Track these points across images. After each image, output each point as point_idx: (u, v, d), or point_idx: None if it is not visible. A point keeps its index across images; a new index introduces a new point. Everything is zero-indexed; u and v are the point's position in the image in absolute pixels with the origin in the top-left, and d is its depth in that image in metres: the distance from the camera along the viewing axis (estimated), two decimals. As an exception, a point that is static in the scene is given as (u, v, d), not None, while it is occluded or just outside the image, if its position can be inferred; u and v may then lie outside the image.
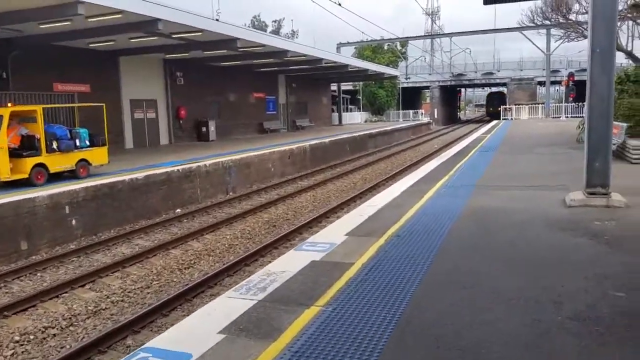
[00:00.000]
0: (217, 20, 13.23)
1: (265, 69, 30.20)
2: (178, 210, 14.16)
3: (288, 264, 5.48)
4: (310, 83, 39.47)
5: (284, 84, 36.03)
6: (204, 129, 26.40)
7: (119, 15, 13.17)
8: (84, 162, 12.78)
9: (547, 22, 21.85)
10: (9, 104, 11.77)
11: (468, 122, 69.76)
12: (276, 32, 68.35)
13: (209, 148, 22.11)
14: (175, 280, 8.75)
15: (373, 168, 23.31)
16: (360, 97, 58.95)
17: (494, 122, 40.55)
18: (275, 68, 30.20)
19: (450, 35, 46.80)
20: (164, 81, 24.33)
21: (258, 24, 68.36)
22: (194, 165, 15.21)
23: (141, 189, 13.02)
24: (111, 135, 20.71)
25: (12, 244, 9.62)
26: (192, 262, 9.76)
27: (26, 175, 11.30)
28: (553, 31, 29.47)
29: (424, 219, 7.36)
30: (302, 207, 14.75)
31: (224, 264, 9.31)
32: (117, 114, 21.37)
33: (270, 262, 6.65)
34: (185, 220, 13.18)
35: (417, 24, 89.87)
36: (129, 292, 8.20)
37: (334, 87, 47.22)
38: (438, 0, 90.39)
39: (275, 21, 71.67)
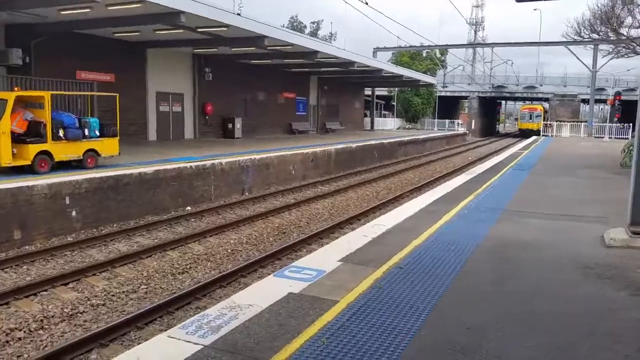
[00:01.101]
0: (238, 14, 12.62)
1: (297, 70, 29.60)
2: (188, 208, 13.61)
3: (260, 294, 4.66)
4: (343, 86, 38.69)
5: (315, 85, 35.38)
6: (229, 125, 25.98)
7: (139, 5, 12.71)
8: (92, 152, 12.36)
9: (595, 36, 20.41)
10: (16, 89, 11.45)
11: (507, 135, 67.48)
12: (314, 33, 67.87)
13: (232, 145, 21.63)
14: (163, 286, 8.10)
15: (399, 178, 22.33)
16: (395, 103, 57.79)
17: (533, 137, 38.81)
18: (307, 69, 29.56)
19: (492, 45, 45.25)
20: (192, 76, 23.99)
21: (296, 25, 68.04)
22: (209, 162, 14.64)
23: (149, 183, 12.50)
24: (134, 126, 20.63)
25: (4, 232, 9.19)
26: (188, 266, 9.10)
27: (29, 162, 10.92)
28: (601, 46, 27.84)
29: (435, 248, 6.40)
30: (318, 214, 13.97)
31: (219, 272, 8.63)
32: (141, 106, 21.13)
33: (247, 284, 5.82)
34: (192, 220, 12.59)
35: (459, 34, 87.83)
36: (112, 295, 7.59)
37: (367, 91, 46.30)
38: (482, 11, 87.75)
39: (313, 22, 71.20)
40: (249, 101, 28.16)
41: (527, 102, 68.79)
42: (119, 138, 13.23)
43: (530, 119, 54.77)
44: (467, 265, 5.75)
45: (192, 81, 24.07)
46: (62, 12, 13.79)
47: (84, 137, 12.09)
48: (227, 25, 15.74)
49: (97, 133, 12.47)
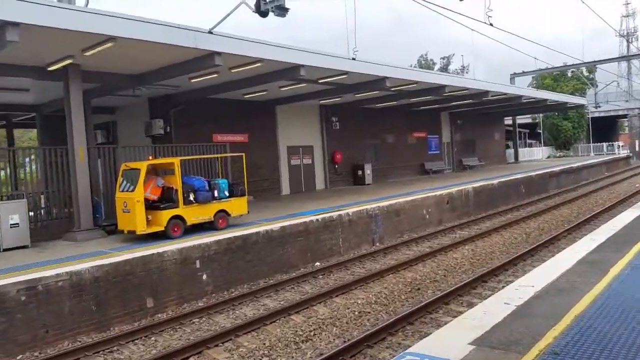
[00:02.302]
0: (353, 59, 12.24)
1: (425, 107, 28.49)
2: (317, 263, 13.11)
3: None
4: (479, 118, 36.39)
5: (447, 121, 33.75)
6: (359, 172, 25.59)
7: (259, 64, 12.99)
8: (222, 213, 12.58)
9: None
10: (149, 157, 12.18)
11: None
12: (444, 69, 66.20)
13: (362, 192, 21.08)
14: (284, 359, 7.45)
15: (553, 214, 19.63)
16: (541, 131, 53.03)
17: None
18: (436, 105, 28.29)
19: (652, 53, 39.38)
20: (320, 126, 24.28)
21: (425, 64, 67.11)
22: (335, 214, 14.12)
23: (277, 240, 12.29)
24: (267, 182, 21.22)
25: (137, 301, 9.44)
26: (312, 333, 8.38)
27: (162, 228, 11.37)
28: None
29: (604, 321, 4.81)
30: (457, 264, 12.48)
31: (343, 342, 7.75)
32: (273, 161, 21.74)
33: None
34: (320, 277, 12.01)
35: (608, 50, 78.86)
36: (231, 371, 7.13)
37: (508, 121, 43.04)
38: (634, 20, 78.49)
39: (443, 58, 69.61)
40: (377, 145, 27.65)
41: None
42: (247, 197, 13.37)
43: None
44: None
45: (320, 132, 24.33)
46: (193, 81, 14.71)
47: (214, 198, 12.39)
48: (345, 72, 15.50)
49: (227, 194, 12.72)
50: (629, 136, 54.98)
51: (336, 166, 25.02)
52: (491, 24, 9.88)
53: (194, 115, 18.12)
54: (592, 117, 51.94)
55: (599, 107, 50.72)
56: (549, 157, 50.00)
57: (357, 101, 23.35)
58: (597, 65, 46.75)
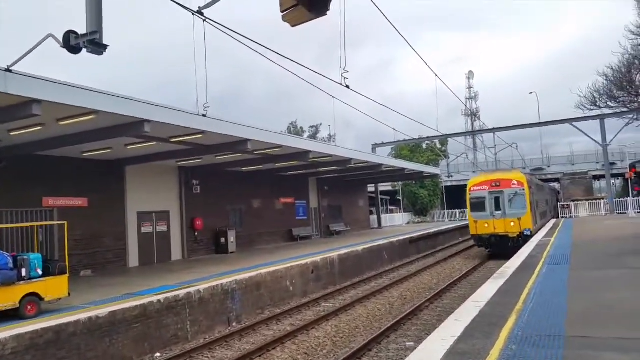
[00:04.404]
0: (204, 115, 11.02)
1: (293, 172, 28.05)
2: (157, 354, 10.95)
3: None
4: (344, 185, 37.05)
5: (315, 187, 33.73)
6: (222, 239, 23.80)
7: (93, 117, 11.09)
8: (32, 296, 10.00)
9: (611, 105, 18.89)
10: None
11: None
12: (313, 137, 68.07)
13: (222, 262, 19.28)
14: None
15: (415, 281, 19.61)
16: (401, 198, 56.01)
17: (553, 221, 36.19)
18: (304, 171, 28.02)
19: (493, 130, 44.16)
20: (178, 190, 22.30)
21: (294, 131, 68.50)
22: (183, 292, 12.19)
23: (103, 330, 9.99)
24: (111, 253, 18.47)
25: None
26: None
27: None
28: (611, 118, 26.34)
29: None
30: (319, 345, 11.21)
31: None
32: (120, 229, 19.11)
33: None
34: (158, 372, 9.92)
35: (456, 127, 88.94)
36: None
37: (371, 188, 44.63)
38: (476, 102, 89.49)
39: (312, 126, 71.81)
40: (243, 211, 26.27)
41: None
42: (68, 275, 10.90)
43: (499, 207, 23.75)
44: None
45: (179, 196, 22.32)
46: (13, 134, 12.23)
47: (21, 279, 9.81)
48: (201, 132, 14.14)
49: (40, 272, 10.19)
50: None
51: (196, 233, 22.97)
52: (347, 86, 9.37)
53: (19, 174, 15.21)
54: (445, 186, 56.28)
55: (452, 176, 55.35)
56: (408, 222, 52.59)
57: (220, 164, 21.98)
58: (448, 139, 51.37)
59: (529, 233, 22.79)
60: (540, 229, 26.67)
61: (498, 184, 23.95)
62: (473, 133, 58.46)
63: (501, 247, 23.04)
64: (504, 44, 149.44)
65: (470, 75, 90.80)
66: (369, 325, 12.86)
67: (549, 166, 56.16)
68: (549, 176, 55.90)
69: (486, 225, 23.79)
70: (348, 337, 11.88)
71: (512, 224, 23.21)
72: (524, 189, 23.51)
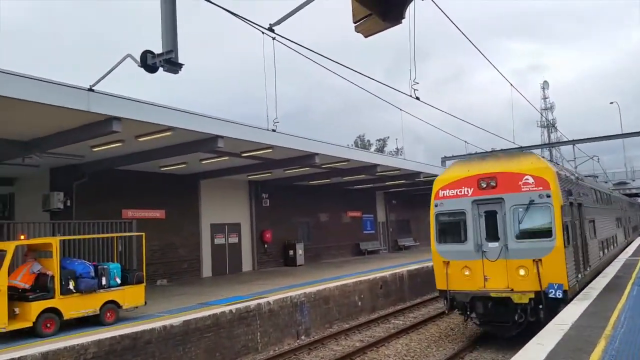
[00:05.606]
0: (273, 130, 11.19)
1: (360, 186, 27.87)
2: (228, 364, 11.10)
3: None
4: (413, 199, 36.26)
5: (382, 201, 33.31)
6: (291, 252, 24.00)
7: (170, 134, 11.62)
8: (111, 304, 10.47)
9: None
10: (21, 237, 10.13)
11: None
12: (380, 150, 67.63)
13: (291, 275, 19.40)
14: None
15: (489, 300, 18.66)
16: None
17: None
18: (371, 185, 27.76)
19: (573, 142, 41.61)
20: (249, 203, 22.81)
21: (362, 144, 68.40)
22: (253, 303, 12.32)
23: (177, 338, 10.27)
24: (185, 263, 19.13)
25: None
26: None
27: (30, 324, 9.14)
28: None
29: None
30: (389, 363, 10.92)
31: None
32: (194, 240, 19.80)
33: None
34: (229, 383, 10.03)
35: (532, 139, 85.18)
36: None
37: (441, 202, 43.35)
38: (552, 113, 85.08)
39: (379, 140, 71.40)
40: (311, 224, 26.39)
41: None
42: (145, 284, 11.35)
43: (495, 234, 11.26)
44: None
45: (249, 209, 22.82)
46: (96, 150, 13.02)
47: (101, 287, 10.32)
48: (270, 146, 14.39)
49: (118, 281, 10.68)
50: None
51: (265, 245, 23.33)
52: (417, 98, 9.14)
53: (100, 188, 16.15)
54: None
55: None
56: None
57: (289, 177, 22.26)
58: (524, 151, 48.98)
59: (559, 294, 10.12)
60: (601, 271, 15.09)
61: (493, 182, 11.30)
62: (551, 145, 55.54)
63: (499, 319, 11.01)
64: (576, 54, 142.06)
65: (545, 85, 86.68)
66: (442, 345, 12.35)
67: (633, 180, 52.20)
68: (634, 190, 51.96)
69: (466, 273, 11.46)
70: (420, 356, 11.47)
71: (522, 272, 10.65)
72: (549, 195, 10.57)
